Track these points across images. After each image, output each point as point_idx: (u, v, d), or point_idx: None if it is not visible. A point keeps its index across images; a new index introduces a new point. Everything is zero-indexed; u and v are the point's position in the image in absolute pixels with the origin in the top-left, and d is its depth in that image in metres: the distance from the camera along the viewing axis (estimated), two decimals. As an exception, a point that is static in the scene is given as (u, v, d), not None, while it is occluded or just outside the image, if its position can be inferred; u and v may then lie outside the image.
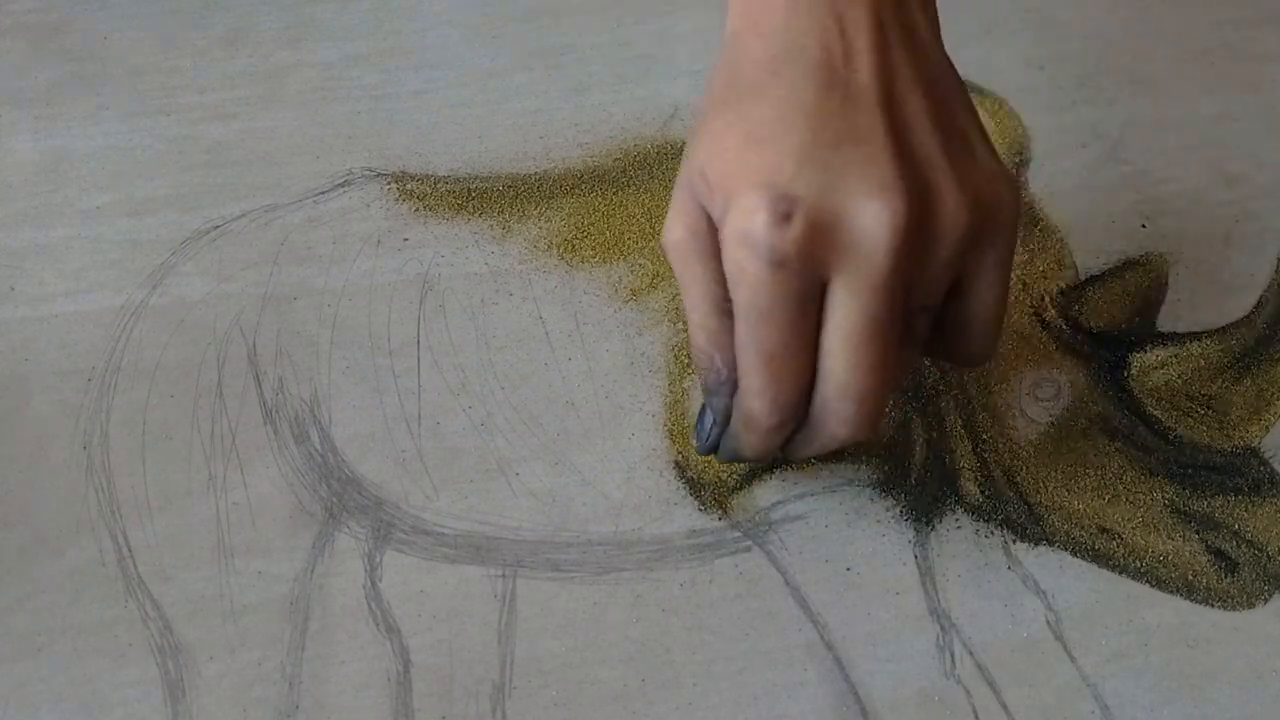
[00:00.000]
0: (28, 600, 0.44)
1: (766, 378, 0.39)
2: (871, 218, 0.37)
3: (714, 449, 0.43)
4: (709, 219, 0.39)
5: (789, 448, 0.42)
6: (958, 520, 0.46)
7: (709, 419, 0.42)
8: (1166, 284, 0.52)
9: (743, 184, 0.37)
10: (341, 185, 0.55)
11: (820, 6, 0.39)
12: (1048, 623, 0.43)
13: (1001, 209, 0.40)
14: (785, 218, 0.36)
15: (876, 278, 0.37)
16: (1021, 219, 0.40)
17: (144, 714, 0.41)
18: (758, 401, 0.40)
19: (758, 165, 0.37)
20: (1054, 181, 0.55)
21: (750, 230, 0.37)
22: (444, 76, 0.60)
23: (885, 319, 0.38)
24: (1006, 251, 0.40)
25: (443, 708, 0.41)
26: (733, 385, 0.41)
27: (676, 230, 0.40)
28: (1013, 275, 0.52)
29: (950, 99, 0.40)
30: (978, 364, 0.44)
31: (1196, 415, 0.48)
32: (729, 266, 0.38)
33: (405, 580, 0.44)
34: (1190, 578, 0.44)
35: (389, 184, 0.55)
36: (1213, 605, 0.44)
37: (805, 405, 0.40)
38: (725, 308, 0.39)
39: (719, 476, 0.47)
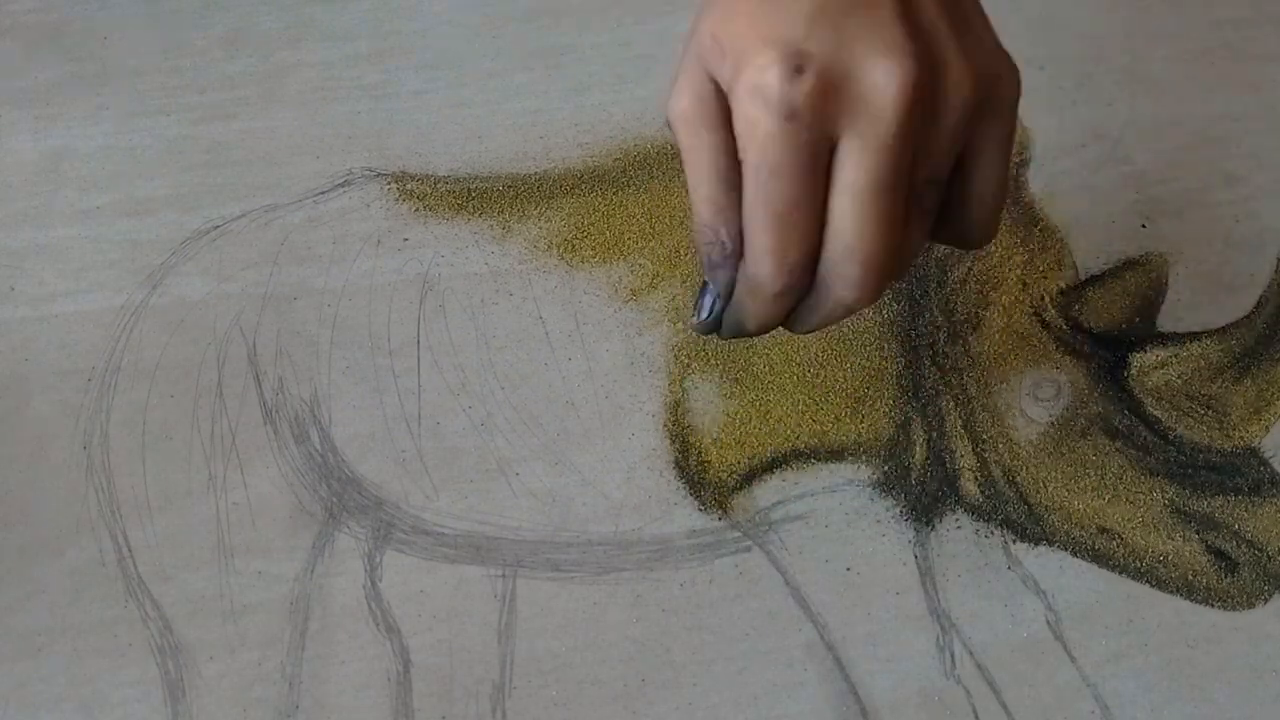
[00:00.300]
0: (28, 600, 0.44)
1: (775, 237, 0.39)
2: (882, 75, 0.38)
3: (715, 326, 0.42)
4: (717, 87, 0.39)
5: (793, 319, 0.42)
6: (958, 520, 0.46)
7: (710, 295, 0.42)
8: (1166, 284, 0.52)
9: (755, 42, 0.38)
10: (341, 185, 0.55)
11: None
12: (1048, 623, 0.43)
13: (1003, 84, 0.41)
14: (797, 71, 0.37)
15: (885, 136, 0.38)
16: (1019, 98, 0.41)
17: (144, 714, 0.41)
18: (765, 263, 0.39)
19: (770, 24, 0.38)
20: (1054, 181, 0.55)
21: (763, 84, 0.37)
22: (444, 76, 0.60)
23: (892, 179, 0.38)
24: (1007, 129, 0.41)
25: (443, 708, 0.41)
26: (737, 258, 0.41)
27: (684, 99, 0.40)
28: (1013, 275, 0.52)
29: None
30: (979, 245, 0.44)
31: (1196, 415, 0.48)
32: (740, 125, 0.38)
33: (405, 580, 0.44)
34: (1190, 578, 0.45)
35: (389, 184, 0.55)
36: (1213, 605, 0.44)
37: (811, 272, 0.40)
38: (731, 179, 0.40)
39: (719, 476, 0.47)
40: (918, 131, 0.39)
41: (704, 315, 0.42)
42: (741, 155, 0.39)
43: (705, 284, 0.42)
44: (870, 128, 0.38)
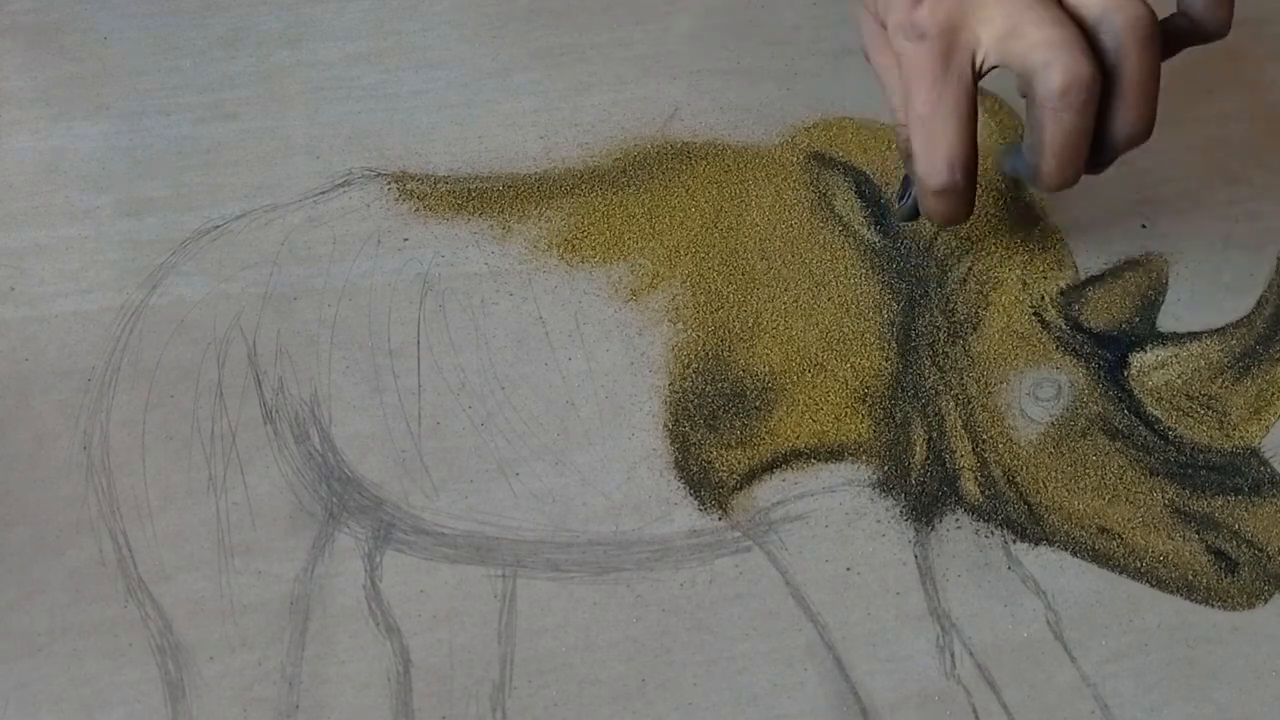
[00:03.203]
0: (28, 600, 0.44)
1: (923, 139, 0.45)
2: None
3: (912, 213, 0.51)
4: (880, 22, 0.47)
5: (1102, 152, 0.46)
6: (958, 520, 0.46)
7: (910, 184, 0.51)
8: (1166, 284, 0.52)
9: None
10: (341, 185, 0.55)
11: None
12: (1048, 623, 0.43)
13: None
14: (916, 1, 0.44)
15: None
16: None
17: (144, 714, 0.41)
18: (926, 162, 0.45)
19: None
20: (1054, 181, 0.55)
21: (898, 19, 0.44)
22: (444, 76, 0.60)
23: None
24: None
25: (443, 708, 0.41)
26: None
27: (864, 34, 0.48)
28: (1013, 275, 0.52)
29: None
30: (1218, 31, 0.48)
31: (1196, 415, 0.48)
32: (896, 54, 0.45)
33: (405, 580, 0.44)
34: (1190, 578, 0.44)
35: (389, 184, 0.55)
36: (1213, 605, 0.44)
37: (973, 168, 0.45)
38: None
39: (719, 477, 0.47)
40: None
41: (900, 203, 0.52)
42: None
43: (905, 177, 0.51)
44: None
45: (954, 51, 0.44)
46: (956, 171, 0.45)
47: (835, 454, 0.47)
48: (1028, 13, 0.43)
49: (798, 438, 0.48)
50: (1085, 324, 0.51)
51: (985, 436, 0.48)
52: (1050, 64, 0.42)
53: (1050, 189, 0.46)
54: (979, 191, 0.48)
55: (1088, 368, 0.49)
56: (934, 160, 0.45)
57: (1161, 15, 0.46)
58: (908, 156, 0.47)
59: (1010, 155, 0.49)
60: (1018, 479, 0.47)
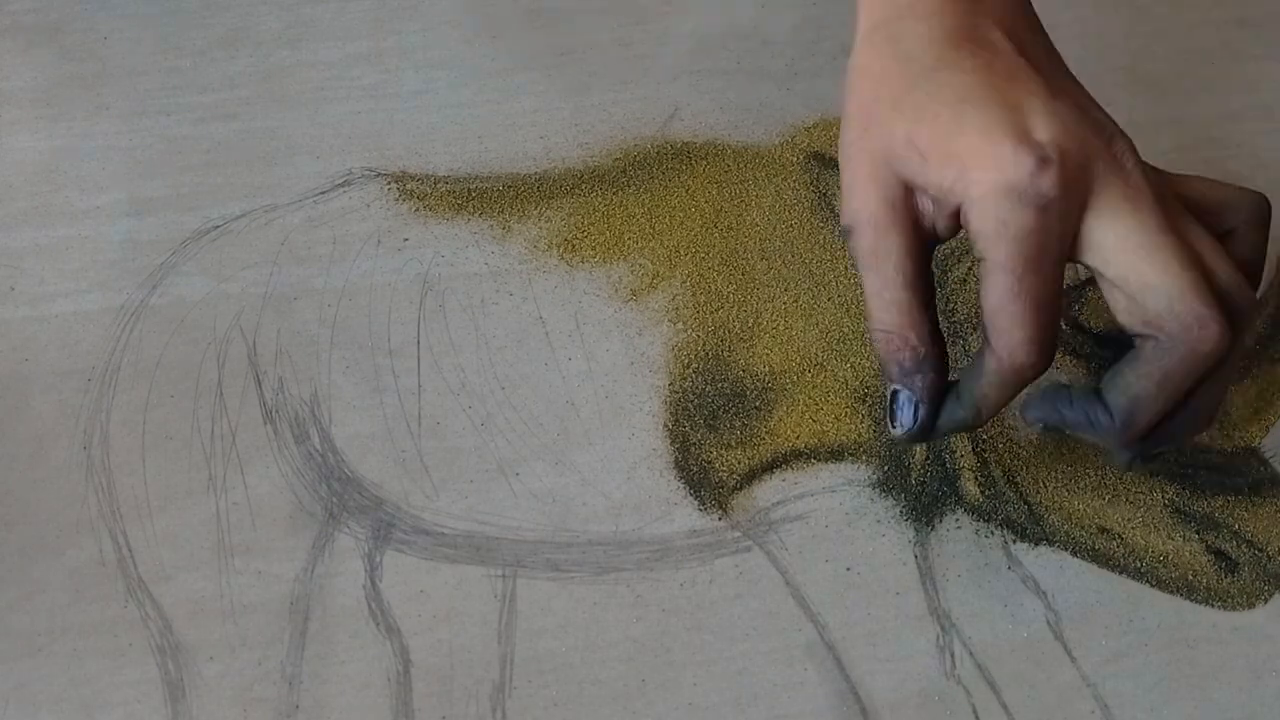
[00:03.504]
0: (28, 600, 0.44)
1: (1037, 325, 0.39)
2: (1108, 152, 0.39)
3: (924, 433, 0.42)
4: (906, 189, 0.40)
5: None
6: (958, 520, 0.46)
7: (909, 402, 0.42)
8: (1166, 284, 0.52)
9: (981, 140, 0.38)
10: (341, 185, 0.55)
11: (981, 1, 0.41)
12: (1048, 623, 0.43)
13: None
14: (1045, 162, 0.38)
15: (1139, 182, 0.39)
16: None
17: (144, 714, 0.41)
18: (1026, 350, 0.39)
19: (986, 121, 0.38)
20: (1054, 181, 0.55)
21: (1014, 180, 0.38)
22: (444, 76, 0.60)
23: (1163, 214, 0.39)
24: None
25: (443, 708, 0.41)
26: (934, 361, 0.41)
27: (872, 203, 0.40)
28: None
29: None
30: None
31: (1196, 415, 0.48)
32: (981, 220, 0.38)
33: (405, 580, 0.44)
34: (1190, 578, 0.44)
35: (389, 184, 0.55)
36: (1213, 605, 0.44)
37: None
38: (918, 282, 0.41)
39: (719, 477, 0.47)
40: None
41: (908, 425, 0.42)
42: (979, 253, 0.39)
43: (895, 392, 0.42)
44: (1121, 184, 0.39)
45: (1068, 227, 0.39)
46: (1052, 349, 0.40)
47: (835, 454, 0.47)
48: (1160, 237, 0.38)
49: (798, 438, 0.48)
50: (1085, 324, 0.51)
51: (985, 436, 0.48)
52: (1203, 323, 0.38)
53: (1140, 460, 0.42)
54: None
55: (1088, 368, 0.49)
56: (1047, 343, 0.39)
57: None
58: (921, 362, 0.41)
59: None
60: (1018, 479, 0.47)
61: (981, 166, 0.38)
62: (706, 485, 0.46)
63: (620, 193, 0.55)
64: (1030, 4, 0.43)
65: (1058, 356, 0.49)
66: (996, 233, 0.38)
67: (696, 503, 0.46)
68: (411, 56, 0.60)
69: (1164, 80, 0.60)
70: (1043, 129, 0.38)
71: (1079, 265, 0.52)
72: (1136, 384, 0.40)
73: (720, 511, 0.46)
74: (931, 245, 0.41)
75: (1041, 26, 0.43)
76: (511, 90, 0.59)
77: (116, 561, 0.44)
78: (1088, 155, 0.38)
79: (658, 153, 0.56)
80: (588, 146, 0.57)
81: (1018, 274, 0.38)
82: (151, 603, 0.43)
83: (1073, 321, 0.51)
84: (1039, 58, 0.41)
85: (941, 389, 0.42)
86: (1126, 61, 0.60)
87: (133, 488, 0.46)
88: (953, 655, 0.43)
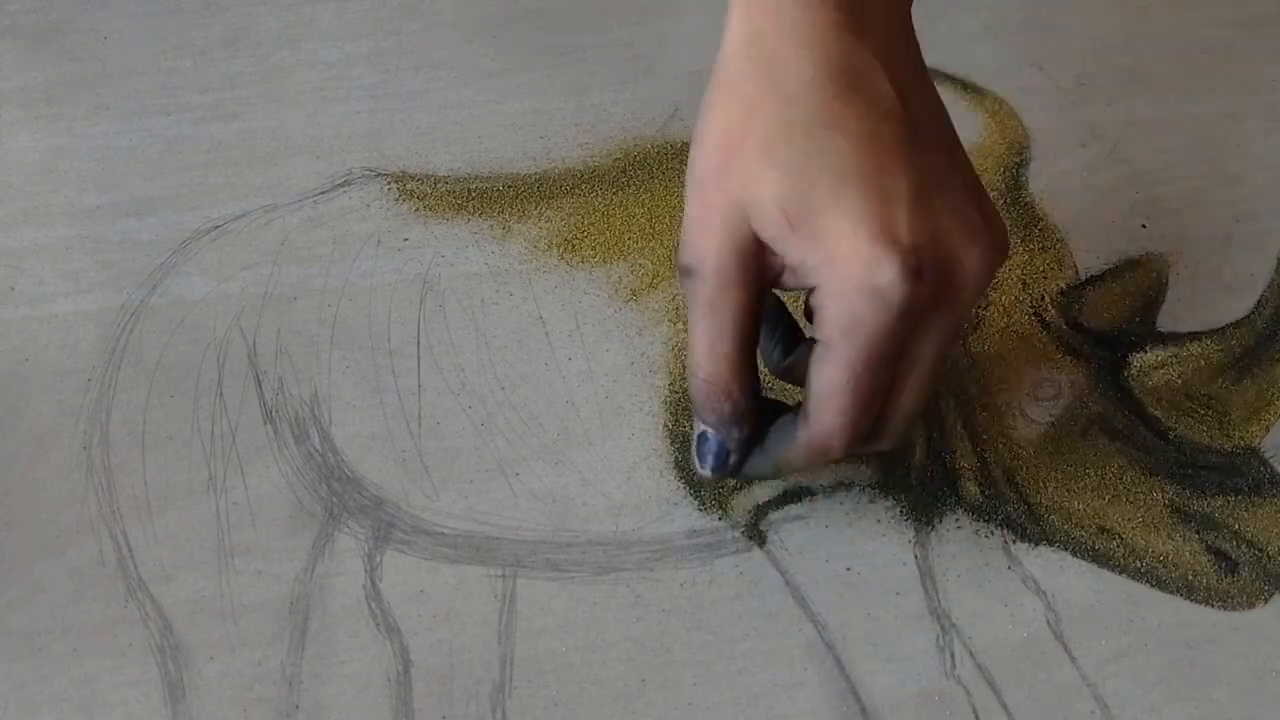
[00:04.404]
0: (28, 600, 0.44)
1: (856, 418, 0.39)
2: (974, 261, 0.38)
3: (729, 476, 0.43)
4: (758, 243, 0.38)
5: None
6: (958, 520, 0.46)
7: (716, 447, 0.42)
8: (1166, 284, 0.52)
9: (856, 231, 0.37)
10: (341, 185, 0.55)
11: (862, 29, 0.39)
12: (1048, 623, 0.43)
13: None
14: (917, 274, 0.37)
15: (963, 314, 0.39)
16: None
17: (144, 714, 0.41)
18: (839, 439, 0.40)
19: (865, 212, 0.37)
20: (1054, 181, 0.55)
21: (882, 284, 0.37)
22: (444, 76, 0.60)
23: (950, 350, 0.40)
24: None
25: (443, 708, 0.41)
26: (750, 416, 0.41)
27: (720, 252, 0.38)
28: (1013, 275, 0.52)
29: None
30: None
31: (1196, 415, 0.48)
32: (836, 312, 0.37)
33: (405, 580, 0.44)
34: (1190, 578, 0.44)
35: (389, 184, 0.55)
36: (1213, 605, 0.44)
37: None
38: (750, 337, 0.40)
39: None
40: None
41: (713, 467, 0.43)
42: (823, 338, 0.38)
43: (705, 434, 0.42)
44: (953, 308, 0.39)
45: (911, 332, 0.39)
46: (858, 440, 0.41)
47: (835, 454, 0.47)
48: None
49: (798, 438, 0.47)
50: (1085, 324, 0.51)
51: (985, 436, 0.48)
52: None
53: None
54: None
55: (1088, 368, 0.49)
56: (860, 431, 0.40)
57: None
58: (741, 415, 0.41)
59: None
60: (1018, 479, 0.47)
61: (850, 260, 0.37)
62: (706, 485, 0.46)
63: (620, 193, 0.55)
64: (912, 31, 0.41)
65: (1057, 355, 0.50)
66: (850, 328, 0.37)
67: (696, 503, 0.46)
68: (411, 56, 0.60)
69: (1164, 80, 0.60)
70: (914, 230, 0.37)
71: (1080, 268, 0.52)
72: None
73: (720, 511, 0.46)
74: (764, 296, 0.40)
75: (921, 59, 0.41)
76: (511, 90, 0.59)
77: (116, 561, 0.44)
78: (949, 266, 0.38)
79: (658, 153, 0.56)
80: (588, 146, 0.57)
81: (856, 370, 0.38)
82: (151, 603, 0.43)
83: (1073, 321, 0.51)
84: (920, 117, 0.39)
85: (753, 442, 0.42)
86: (1126, 61, 0.60)
87: (133, 488, 0.46)
88: (953, 655, 0.43)
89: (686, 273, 0.39)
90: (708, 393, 0.41)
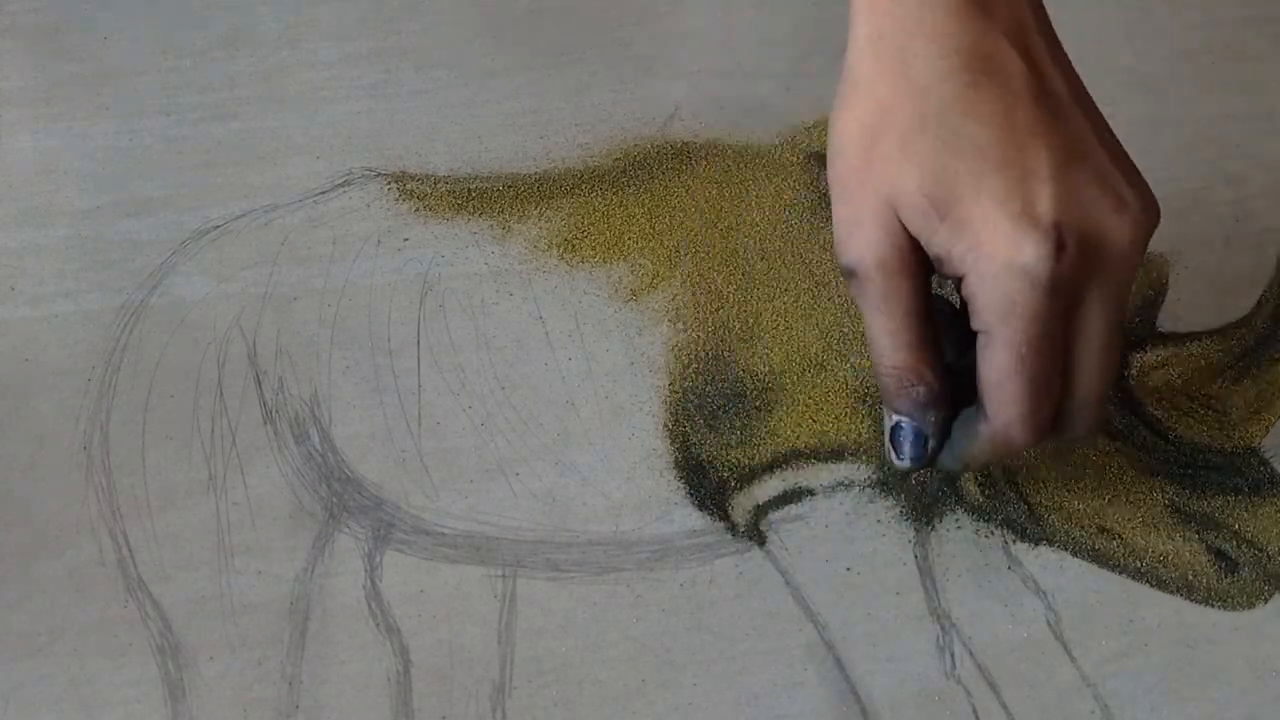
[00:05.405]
0: (28, 600, 0.44)
1: (1034, 404, 0.39)
2: (1123, 230, 0.38)
3: (926, 465, 0.43)
4: (911, 236, 0.39)
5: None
6: (958, 520, 0.46)
7: (913, 435, 0.42)
8: (1166, 284, 0.52)
9: (998, 213, 0.37)
10: (341, 185, 0.55)
11: (988, 10, 0.39)
12: (1048, 623, 0.43)
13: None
14: (1060, 247, 0.37)
15: (1123, 285, 0.39)
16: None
17: (144, 714, 0.41)
18: (1020, 428, 0.39)
19: (1005, 190, 0.37)
20: (1054, 181, 0.55)
21: (1027, 263, 0.37)
22: (444, 76, 0.60)
23: (1122, 322, 0.39)
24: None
25: (443, 708, 0.41)
26: (944, 397, 0.41)
27: (880, 248, 0.39)
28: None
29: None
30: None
31: (1196, 415, 0.48)
32: (989, 298, 0.38)
33: (405, 580, 0.44)
34: (1190, 578, 0.44)
35: (389, 184, 0.55)
36: (1213, 605, 0.44)
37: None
38: (928, 320, 0.40)
39: (719, 476, 0.47)
40: None
41: (912, 456, 0.42)
42: (987, 324, 0.38)
43: (899, 424, 0.42)
44: (1108, 280, 0.38)
45: (1072, 308, 0.39)
46: (1049, 425, 0.40)
47: (835, 454, 0.47)
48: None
49: (798, 438, 0.48)
50: (1085, 324, 0.51)
51: (985, 436, 0.48)
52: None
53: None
54: None
55: (1088, 368, 0.49)
56: (1041, 422, 0.40)
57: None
58: (934, 398, 0.41)
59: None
60: (1018, 479, 0.47)
61: (994, 242, 0.37)
62: (706, 485, 0.46)
63: (620, 193, 0.55)
64: (1042, 7, 0.41)
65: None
66: (1005, 311, 0.38)
67: (696, 503, 0.46)
68: (411, 56, 0.60)
69: (1164, 80, 0.60)
70: (1055, 205, 0.37)
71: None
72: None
73: (720, 511, 0.46)
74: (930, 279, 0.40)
75: (1049, 24, 0.41)
76: (511, 90, 0.59)
77: (116, 561, 0.44)
78: (1097, 238, 0.38)
79: (658, 153, 0.56)
80: (588, 146, 0.57)
81: (1021, 353, 0.38)
82: (151, 602, 0.43)
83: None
84: (1057, 89, 0.39)
85: (950, 423, 0.42)
86: (1126, 61, 0.60)
87: (133, 488, 0.46)
88: (953, 655, 0.43)
89: (849, 274, 0.40)
90: (899, 382, 0.41)
